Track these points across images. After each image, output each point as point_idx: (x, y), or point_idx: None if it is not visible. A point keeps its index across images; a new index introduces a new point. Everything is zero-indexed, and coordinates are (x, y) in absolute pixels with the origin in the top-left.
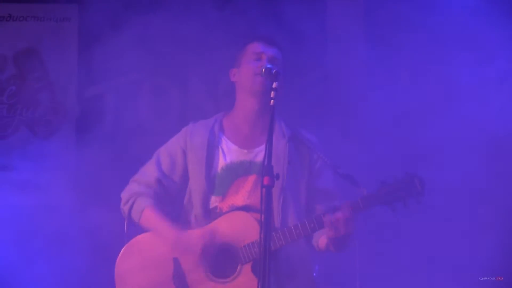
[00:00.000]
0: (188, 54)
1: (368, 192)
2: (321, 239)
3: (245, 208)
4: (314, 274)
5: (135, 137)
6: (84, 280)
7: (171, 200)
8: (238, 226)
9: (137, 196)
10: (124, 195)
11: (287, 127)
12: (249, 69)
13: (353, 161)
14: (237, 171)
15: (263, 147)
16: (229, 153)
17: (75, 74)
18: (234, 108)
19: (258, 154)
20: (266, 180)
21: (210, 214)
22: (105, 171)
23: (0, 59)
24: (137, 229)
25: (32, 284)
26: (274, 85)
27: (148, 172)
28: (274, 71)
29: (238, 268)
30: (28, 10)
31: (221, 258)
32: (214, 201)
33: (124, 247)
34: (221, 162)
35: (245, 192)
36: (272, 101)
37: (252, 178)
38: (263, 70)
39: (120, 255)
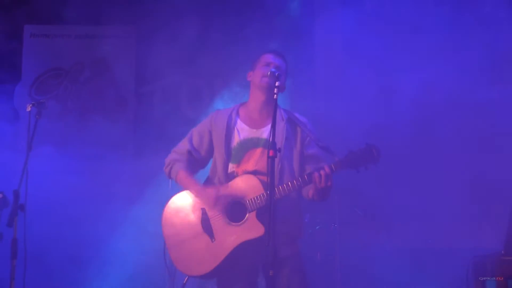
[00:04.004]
0: (214, 61)
1: (339, 159)
2: (309, 191)
3: (254, 172)
4: (306, 220)
5: (176, 120)
6: None
7: (200, 166)
8: (246, 185)
9: (174, 162)
10: (166, 160)
11: (285, 112)
12: (260, 72)
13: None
14: (248, 145)
15: (267, 127)
16: (242, 131)
17: (133, 76)
18: (248, 100)
19: (264, 133)
20: (271, 153)
21: (229, 177)
22: (155, 147)
23: (79, 65)
24: (178, 189)
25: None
26: (277, 83)
27: (183, 145)
28: (277, 73)
29: (247, 215)
30: (100, 30)
31: (235, 208)
32: (231, 167)
33: (169, 200)
34: (237, 138)
35: (254, 161)
36: (275, 95)
37: (259, 150)
38: (269, 73)
39: (165, 206)
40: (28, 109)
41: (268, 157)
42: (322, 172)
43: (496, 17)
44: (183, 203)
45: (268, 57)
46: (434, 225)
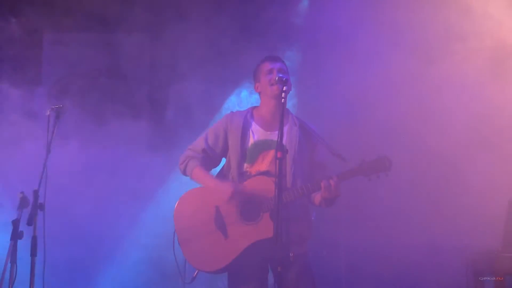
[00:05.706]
0: (224, 67)
1: (352, 167)
2: (316, 197)
3: (267, 173)
4: (313, 218)
5: (188, 123)
6: None
7: (213, 164)
8: (260, 187)
9: (189, 159)
10: (181, 158)
11: (297, 119)
12: (266, 82)
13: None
14: (262, 146)
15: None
16: (256, 133)
17: (147, 81)
18: (260, 105)
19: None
20: (279, 154)
21: (242, 176)
22: (168, 147)
23: (96, 72)
24: (192, 184)
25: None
26: (284, 88)
27: (198, 143)
28: (284, 79)
29: (260, 215)
30: (116, 38)
31: (248, 207)
32: (245, 166)
33: (181, 196)
34: (251, 140)
35: (267, 161)
36: (283, 99)
37: (272, 152)
38: (277, 78)
39: (178, 201)
40: (48, 113)
41: (276, 158)
42: (331, 181)
43: None
44: (195, 199)
45: (267, 65)
46: (432, 223)
